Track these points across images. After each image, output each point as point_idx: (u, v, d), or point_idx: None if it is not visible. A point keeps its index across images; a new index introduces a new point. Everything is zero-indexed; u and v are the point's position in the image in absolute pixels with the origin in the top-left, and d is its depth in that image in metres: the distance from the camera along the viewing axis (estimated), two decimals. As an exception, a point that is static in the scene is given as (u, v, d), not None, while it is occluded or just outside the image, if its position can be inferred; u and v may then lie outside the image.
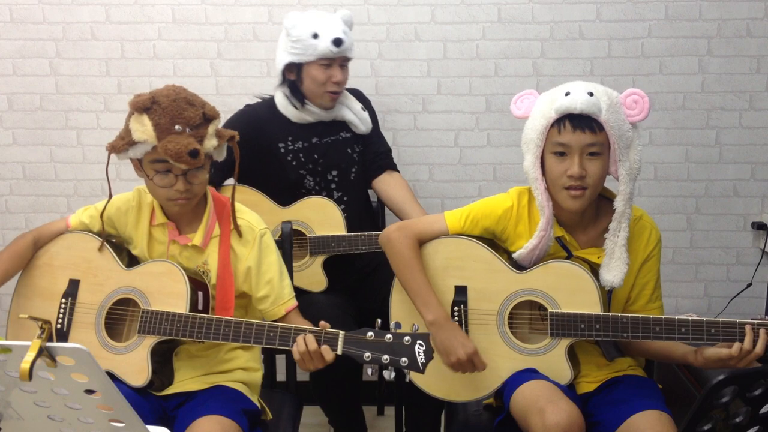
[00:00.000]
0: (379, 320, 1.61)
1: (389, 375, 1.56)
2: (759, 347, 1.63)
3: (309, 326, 1.69)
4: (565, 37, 2.88)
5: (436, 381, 1.89)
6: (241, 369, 1.92)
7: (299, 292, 2.33)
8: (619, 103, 1.76)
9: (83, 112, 2.96)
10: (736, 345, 1.63)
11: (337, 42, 2.34)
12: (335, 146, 2.49)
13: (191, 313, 1.74)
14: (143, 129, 1.69)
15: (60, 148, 2.99)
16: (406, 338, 1.55)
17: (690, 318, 1.71)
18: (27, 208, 3.03)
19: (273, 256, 1.89)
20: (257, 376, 1.96)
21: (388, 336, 1.56)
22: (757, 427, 1.38)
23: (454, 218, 1.91)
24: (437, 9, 2.87)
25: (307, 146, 2.46)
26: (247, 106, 2.55)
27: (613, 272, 1.79)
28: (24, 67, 2.93)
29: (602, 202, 1.86)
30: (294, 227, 2.40)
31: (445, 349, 1.78)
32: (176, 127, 1.68)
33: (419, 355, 1.53)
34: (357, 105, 2.51)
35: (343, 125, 2.51)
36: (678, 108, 2.91)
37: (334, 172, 2.48)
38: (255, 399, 1.90)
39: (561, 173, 1.76)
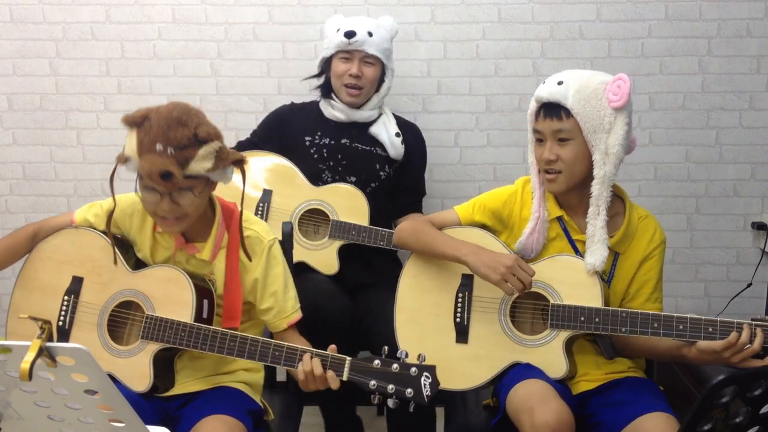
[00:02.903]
0: (386, 347, 1.59)
1: (393, 404, 1.54)
2: (756, 343, 1.63)
3: (312, 348, 1.66)
4: (565, 37, 2.88)
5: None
6: (244, 370, 1.91)
7: (308, 269, 2.42)
8: (599, 89, 1.77)
9: (83, 112, 2.96)
10: (734, 334, 1.64)
11: (349, 34, 2.42)
12: (364, 156, 2.54)
13: (196, 324, 1.72)
14: (130, 145, 1.66)
15: (60, 148, 2.99)
16: (413, 369, 1.53)
17: (688, 316, 1.71)
18: (27, 208, 3.03)
19: (279, 268, 1.87)
20: (259, 376, 1.96)
21: (395, 366, 1.54)
22: (757, 427, 1.37)
23: (464, 208, 1.99)
24: (437, 9, 2.87)
25: (334, 144, 2.52)
26: (292, 104, 2.68)
27: (595, 255, 1.81)
28: (24, 67, 2.93)
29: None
30: (319, 207, 2.49)
31: (491, 268, 1.78)
32: (157, 146, 1.63)
33: (425, 387, 1.52)
34: (393, 130, 2.55)
35: (380, 143, 2.55)
36: (678, 108, 2.91)
37: (353, 179, 2.51)
38: (257, 399, 1.90)
39: (539, 158, 1.85)
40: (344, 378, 1.59)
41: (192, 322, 1.72)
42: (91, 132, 2.97)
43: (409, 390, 1.53)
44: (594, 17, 2.86)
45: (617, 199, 1.90)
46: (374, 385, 1.54)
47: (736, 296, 2.98)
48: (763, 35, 2.84)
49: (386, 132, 2.54)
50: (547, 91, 1.81)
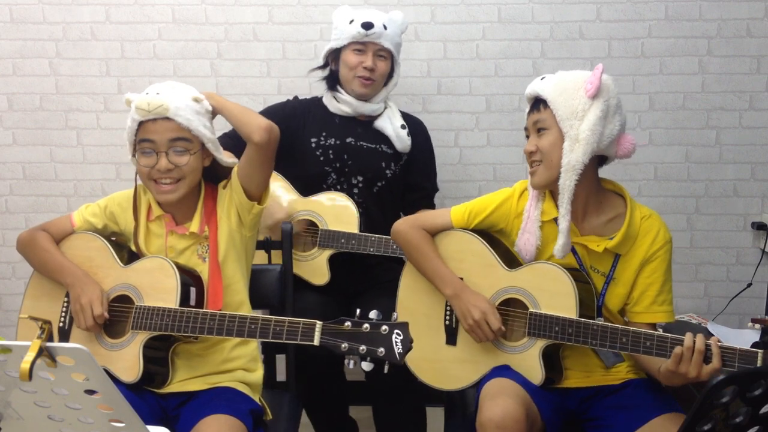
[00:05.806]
0: (358, 310, 1.58)
1: (368, 366, 1.53)
2: (698, 343, 1.58)
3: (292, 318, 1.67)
4: (565, 37, 2.88)
5: (426, 366, 1.97)
6: (242, 369, 1.92)
7: (299, 283, 2.36)
8: (578, 81, 1.78)
9: (83, 112, 2.96)
10: (677, 348, 1.61)
11: (366, 25, 2.38)
12: (369, 154, 2.49)
13: (180, 308, 1.74)
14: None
15: (60, 148, 2.99)
16: (384, 328, 1.51)
17: (656, 332, 1.68)
18: (27, 208, 3.03)
19: None
20: (258, 375, 1.96)
21: (366, 326, 1.52)
22: (757, 427, 1.37)
23: (458, 212, 1.99)
24: (437, 9, 2.87)
25: (340, 144, 2.47)
26: (296, 98, 2.61)
27: (558, 242, 1.80)
28: (24, 67, 2.93)
29: (609, 194, 1.88)
30: (308, 218, 2.44)
31: (463, 316, 1.88)
32: None
33: (396, 345, 1.50)
34: (399, 122, 2.51)
35: (386, 139, 2.51)
36: (678, 108, 2.91)
37: (360, 178, 2.48)
38: (257, 399, 1.90)
39: (525, 153, 1.87)
40: (315, 342, 1.57)
41: (176, 307, 1.74)
42: (91, 132, 2.97)
43: (381, 349, 1.51)
44: (594, 17, 2.86)
45: (618, 198, 1.88)
46: (346, 347, 1.53)
47: (736, 296, 2.98)
48: (763, 35, 2.84)
49: (391, 125, 2.49)
50: (531, 87, 1.85)
